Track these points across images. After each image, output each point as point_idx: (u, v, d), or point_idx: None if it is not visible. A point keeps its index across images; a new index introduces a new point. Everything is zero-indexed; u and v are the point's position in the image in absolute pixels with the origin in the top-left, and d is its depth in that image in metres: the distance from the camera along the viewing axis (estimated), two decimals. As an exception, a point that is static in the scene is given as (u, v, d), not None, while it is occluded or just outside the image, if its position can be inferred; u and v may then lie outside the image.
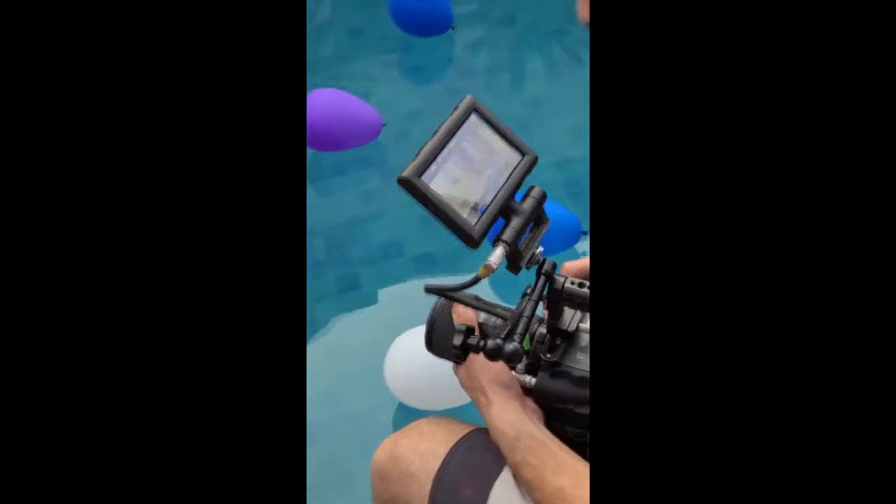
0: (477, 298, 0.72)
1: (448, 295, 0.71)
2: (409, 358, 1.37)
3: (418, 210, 2.16)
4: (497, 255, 0.63)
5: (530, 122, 2.03)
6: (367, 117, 1.91)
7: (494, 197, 0.65)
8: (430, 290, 0.67)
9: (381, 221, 1.85)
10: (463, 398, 1.24)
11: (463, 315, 0.75)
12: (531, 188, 0.68)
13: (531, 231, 0.68)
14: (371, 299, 1.60)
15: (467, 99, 0.65)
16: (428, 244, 1.78)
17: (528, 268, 0.68)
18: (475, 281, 0.62)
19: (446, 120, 0.64)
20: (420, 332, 0.82)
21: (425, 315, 0.78)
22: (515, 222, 0.65)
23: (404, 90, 2.21)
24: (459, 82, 2.19)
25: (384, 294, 1.68)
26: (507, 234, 0.64)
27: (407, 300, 1.67)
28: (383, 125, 1.95)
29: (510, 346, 0.63)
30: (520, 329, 0.64)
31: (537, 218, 0.68)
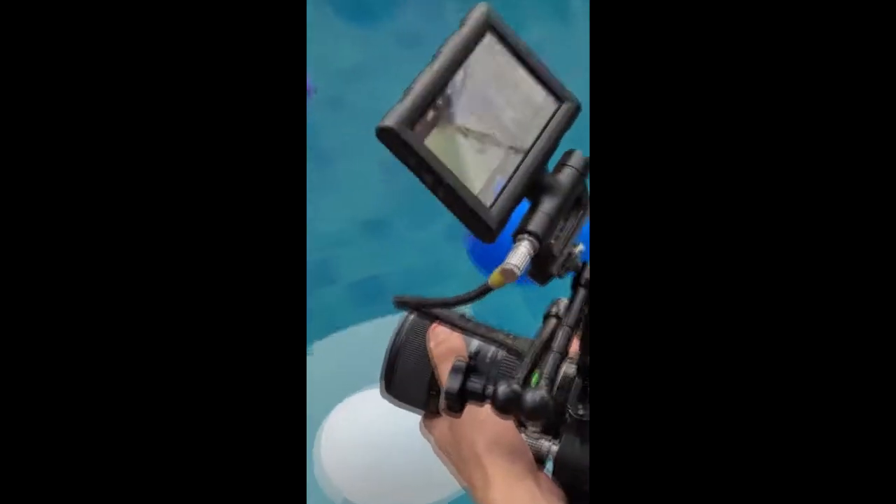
0: (464, 318, 0.73)
1: (427, 312, 0.71)
2: (353, 439, 1.31)
3: (360, 215, 1.97)
4: (521, 254, 0.63)
5: None
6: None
7: (519, 165, 0.65)
8: (401, 303, 0.69)
9: (307, 232, 1.73)
10: (442, 495, 1.20)
11: (445, 342, 0.76)
12: (568, 153, 0.68)
13: (566, 219, 0.68)
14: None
15: (481, 9, 0.65)
16: (372, 264, 1.75)
17: (560, 275, 0.68)
18: (482, 293, 0.63)
19: (449, 41, 0.63)
20: (371, 396, 0.85)
21: (376, 369, 0.80)
22: (548, 205, 0.65)
23: (341, 37, 2.17)
24: (423, 25, 2.14)
25: (311, 339, 1.63)
26: (537, 223, 0.64)
27: (345, 348, 1.65)
28: (313, 91, 1.90)
29: (537, 396, 0.64)
30: (548, 370, 0.66)
31: (576, 199, 0.69)
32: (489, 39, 0.65)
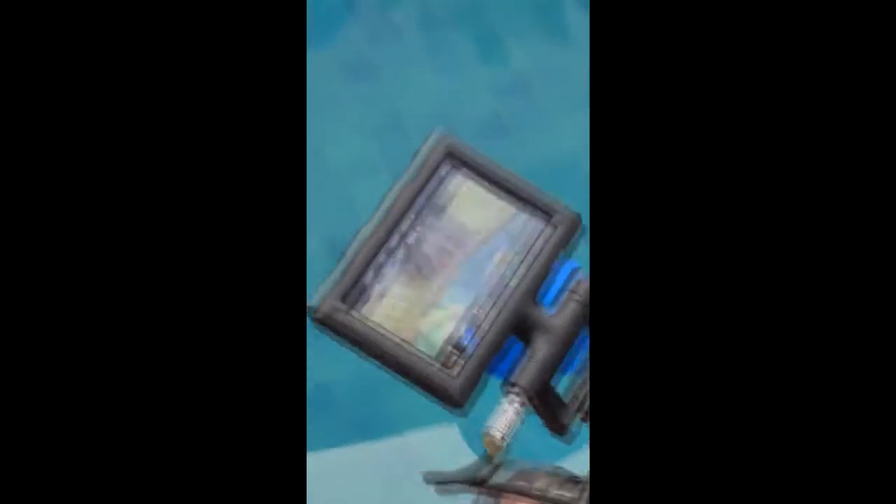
0: (534, 474, 0.71)
1: (477, 485, 0.70)
2: None
3: None
4: (506, 418, 0.63)
5: (511, 122, 1.93)
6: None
7: (499, 304, 0.65)
8: (437, 481, 0.70)
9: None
10: None
11: None
12: (572, 276, 0.69)
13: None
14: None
15: (436, 137, 0.68)
16: (318, 367, 1.47)
17: (586, 422, 0.69)
18: (488, 466, 0.67)
19: (398, 182, 0.67)
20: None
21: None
22: (542, 350, 0.65)
23: None
24: (368, 51, 2.02)
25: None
26: (527, 375, 0.65)
27: None
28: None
29: None
30: None
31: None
32: (449, 168, 0.68)
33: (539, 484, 0.72)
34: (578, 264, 0.69)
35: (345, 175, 1.81)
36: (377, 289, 0.64)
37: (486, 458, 0.65)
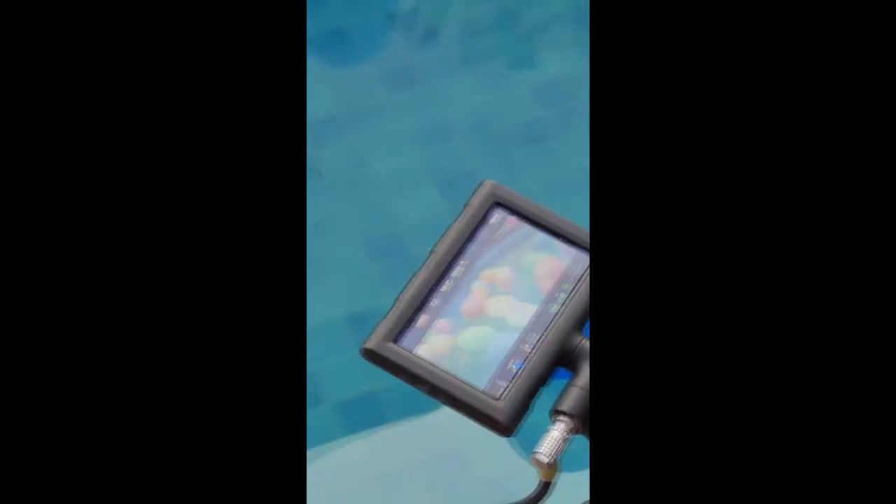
0: None
1: None
2: None
3: (346, 307, 1.73)
4: (552, 441, 0.65)
5: (548, 128, 1.93)
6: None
7: (543, 335, 0.68)
8: None
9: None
10: None
11: None
12: None
13: None
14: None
15: (484, 188, 0.71)
16: (365, 376, 1.55)
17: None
18: (545, 491, 0.66)
19: (448, 230, 0.70)
20: None
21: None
22: (588, 375, 0.67)
23: (314, 81, 1.96)
24: (411, 62, 2.04)
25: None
26: (571, 401, 0.67)
27: (338, 485, 1.51)
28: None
29: None
30: None
31: None
32: (497, 215, 0.70)
33: None
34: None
35: (388, 182, 1.84)
36: (432, 324, 0.67)
37: (541, 483, 0.67)
